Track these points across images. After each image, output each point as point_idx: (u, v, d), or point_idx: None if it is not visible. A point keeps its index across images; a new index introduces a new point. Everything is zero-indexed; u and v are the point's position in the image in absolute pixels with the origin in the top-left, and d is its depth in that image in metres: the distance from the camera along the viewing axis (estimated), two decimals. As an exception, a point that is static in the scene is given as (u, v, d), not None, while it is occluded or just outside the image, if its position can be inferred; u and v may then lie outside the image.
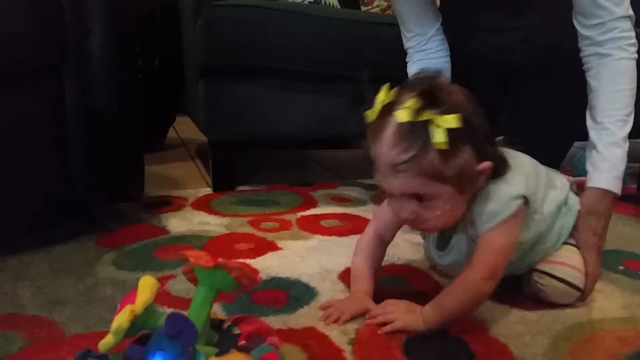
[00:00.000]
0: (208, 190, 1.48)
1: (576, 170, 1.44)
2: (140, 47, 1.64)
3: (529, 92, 1.16)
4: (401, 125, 0.64)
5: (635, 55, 0.90)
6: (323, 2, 1.66)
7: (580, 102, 0.95)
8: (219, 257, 0.57)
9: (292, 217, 1.24)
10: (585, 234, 0.84)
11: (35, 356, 0.66)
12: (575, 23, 0.93)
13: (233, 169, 1.53)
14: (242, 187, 1.52)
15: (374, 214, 0.86)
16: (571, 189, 0.87)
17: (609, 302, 0.85)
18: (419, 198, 0.67)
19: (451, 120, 0.62)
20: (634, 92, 0.90)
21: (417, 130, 0.63)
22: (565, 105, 1.08)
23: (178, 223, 1.19)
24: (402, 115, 0.63)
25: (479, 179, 0.69)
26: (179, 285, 0.86)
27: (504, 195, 0.70)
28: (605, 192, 0.86)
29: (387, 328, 0.72)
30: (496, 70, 1.15)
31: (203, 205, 1.33)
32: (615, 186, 0.87)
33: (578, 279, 0.81)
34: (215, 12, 1.35)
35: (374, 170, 0.69)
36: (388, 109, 0.66)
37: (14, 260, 0.95)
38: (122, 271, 0.93)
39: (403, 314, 0.73)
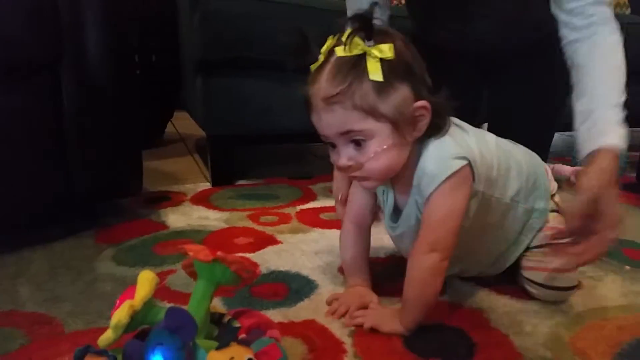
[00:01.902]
0: (207, 185, 1.47)
1: (575, 160, 1.43)
2: (137, 43, 1.64)
3: (506, 80, 1.13)
4: (337, 60, 0.63)
5: (621, 38, 0.83)
6: (320, -6, 1.64)
7: (559, 87, 0.92)
8: (218, 251, 0.56)
9: (291, 211, 1.24)
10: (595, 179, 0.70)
11: (35, 353, 0.66)
12: (552, 7, 0.88)
13: (232, 164, 1.53)
14: (240, 182, 1.52)
15: (348, 203, 0.84)
16: (570, 179, 0.85)
17: (609, 290, 0.85)
18: (357, 142, 0.66)
19: (385, 50, 0.62)
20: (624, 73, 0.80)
21: (352, 63, 0.62)
22: (544, 92, 1.05)
23: (177, 218, 1.19)
24: (340, 49, 0.63)
25: (418, 123, 0.67)
26: (179, 280, 0.86)
27: (444, 154, 0.68)
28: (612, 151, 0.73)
29: (365, 326, 0.71)
30: (470, 58, 1.12)
31: (202, 200, 1.33)
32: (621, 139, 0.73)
33: (567, 279, 0.79)
34: (212, 6, 1.34)
35: (310, 112, 0.68)
36: (330, 53, 0.65)
37: (13, 257, 0.95)
38: (122, 267, 0.92)
39: (379, 318, 0.72)
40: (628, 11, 2.18)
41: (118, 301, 0.54)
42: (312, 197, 1.36)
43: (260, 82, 1.44)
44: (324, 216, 1.21)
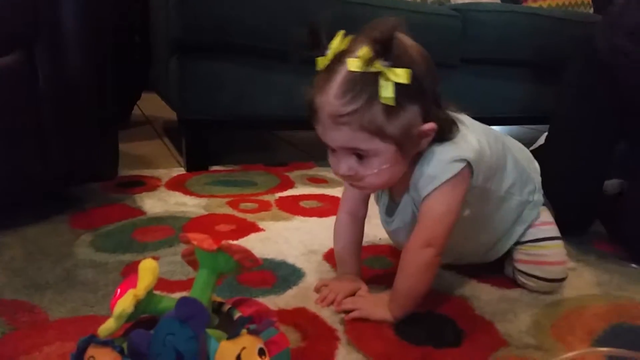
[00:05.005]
0: (181, 170, 1.45)
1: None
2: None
3: None
4: (350, 74, 0.61)
5: None
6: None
7: None
8: (223, 240, 0.56)
9: (270, 198, 1.24)
10: None
11: (21, 341, 0.64)
12: None
13: (206, 149, 1.50)
14: (215, 167, 1.49)
15: (342, 194, 0.84)
16: None
17: (583, 280, 0.89)
18: (358, 154, 0.65)
19: (401, 75, 0.60)
20: None
21: (365, 82, 0.60)
22: None
23: (154, 204, 1.16)
24: (353, 63, 0.60)
25: (421, 141, 0.67)
26: (162, 267, 0.84)
27: (444, 157, 0.68)
28: None
29: (354, 314, 0.72)
30: None
31: (178, 185, 1.30)
32: None
33: (560, 272, 0.83)
34: (191, -13, 1.31)
35: (315, 121, 0.66)
36: (340, 57, 0.62)
37: (-16, 242, 0.91)
38: (102, 253, 0.90)
39: (370, 306, 0.73)
40: (591, 10, 2.26)
41: (119, 290, 0.53)
42: (290, 185, 1.35)
43: (237, 67, 1.42)
44: (303, 204, 1.21)
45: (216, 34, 1.35)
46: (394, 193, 0.78)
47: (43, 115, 0.94)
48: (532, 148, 1.20)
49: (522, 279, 0.83)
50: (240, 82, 1.43)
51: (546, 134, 1.16)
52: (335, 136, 0.64)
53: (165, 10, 1.41)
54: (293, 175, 1.45)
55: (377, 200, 0.83)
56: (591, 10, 2.25)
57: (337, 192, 1.31)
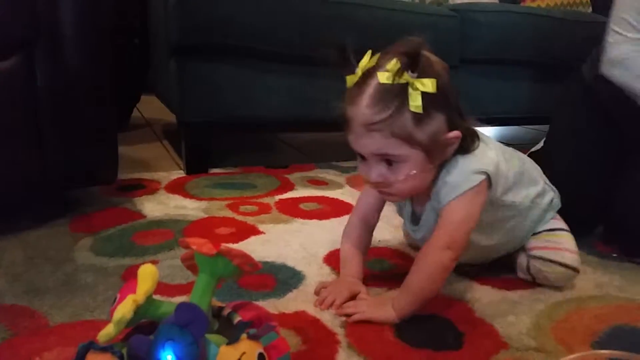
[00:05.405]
0: (181, 173, 1.45)
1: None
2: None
3: None
4: (380, 86, 0.66)
5: None
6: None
7: None
8: (222, 243, 0.56)
9: (270, 201, 1.24)
10: None
11: (22, 347, 0.64)
12: None
13: (207, 152, 1.50)
14: (215, 170, 1.49)
15: (357, 200, 0.87)
16: None
17: (583, 281, 0.88)
18: (388, 161, 0.69)
19: (428, 85, 0.65)
20: None
21: (394, 92, 0.65)
22: None
23: (153, 207, 1.16)
24: (383, 76, 0.65)
25: (447, 149, 0.71)
26: (162, 271, 0.85)
27: (467, 168, 0.72)
28: None
29: (356, 317, 0.73)
30: None
31: (177, 188, 1.30)
32: None
33: (575, 260, 0.84)
34: (189, -11, 1.31)
35: (347, 131, 0.71)
36: (369, 74, 0.68)
37: (-15, 247, 0.91)
38: (101, 257, 0.90)
39: (372, 308, 0.74)
40: (589, 10, 2.26)
41: (119, 295, 0.53)
42: (290, 187, 1.35)
43: (237, 69, 1.42)
44: (303, 206, 1.21)
45: (215, 36, 1.35)
46: (416, 203, 0.81)
47: (41, 117, 0.94)
48: (532, 150, 1.21)
49: (537, 265, 0.84)
50: (240, 84, 1.43)
51: (544, 139, 1.18)
52: (367, 143, 0.69)
53: (164, 13, 1.41)
54: (293, 177, 1.45)
55: (401, 212, 0.86)
56: (590, 10, 2.25)
57: (337, 194, 1.31)
